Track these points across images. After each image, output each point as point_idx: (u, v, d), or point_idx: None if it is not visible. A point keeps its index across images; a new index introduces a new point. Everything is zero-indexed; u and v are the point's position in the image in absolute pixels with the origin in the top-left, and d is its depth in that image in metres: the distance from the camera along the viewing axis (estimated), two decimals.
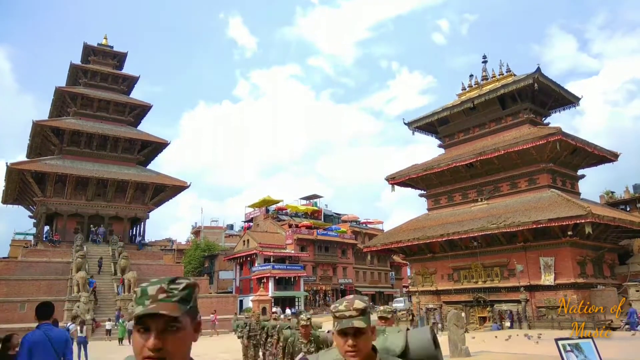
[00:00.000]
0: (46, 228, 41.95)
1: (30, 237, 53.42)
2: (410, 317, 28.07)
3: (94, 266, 34.59)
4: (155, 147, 45.05)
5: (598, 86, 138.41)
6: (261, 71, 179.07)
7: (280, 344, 8.43)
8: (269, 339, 11.15)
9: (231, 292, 51.92)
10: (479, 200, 32.77)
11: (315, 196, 70.91)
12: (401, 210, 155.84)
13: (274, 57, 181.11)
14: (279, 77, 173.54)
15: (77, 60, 47.09)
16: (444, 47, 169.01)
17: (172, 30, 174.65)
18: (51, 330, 4.72)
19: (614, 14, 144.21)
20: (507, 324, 26.24)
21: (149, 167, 46.30)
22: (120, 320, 27.63)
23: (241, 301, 47.22)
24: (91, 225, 39.55)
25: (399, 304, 46.33)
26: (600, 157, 32.20)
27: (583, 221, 24.55)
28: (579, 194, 32.13)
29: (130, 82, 48.04)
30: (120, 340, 25.75)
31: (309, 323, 6.70)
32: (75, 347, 17.50)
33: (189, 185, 43.59)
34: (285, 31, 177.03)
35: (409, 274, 51.15)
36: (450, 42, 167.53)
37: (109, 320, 28.57)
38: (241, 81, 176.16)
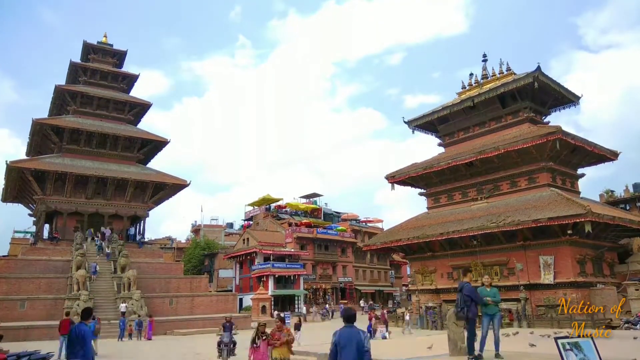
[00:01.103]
0: (46, 226, 42.04)
1: (30, 236, 53.47)
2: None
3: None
4: (155, 145, 45.04)
5: (599, 81, 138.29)
6: (263, 64, 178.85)
7: None
8: None
9: (231, 291, 51.98)
10: (479, 199, 32.80)
11: (315, 195, 70.98)
12: (401, 209, 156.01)
13: (275, 49, 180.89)
14: (280, 71, 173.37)
15: (76, 57, 47.14)
16: (444, 45, 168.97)
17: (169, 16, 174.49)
18: (81, 325, 7.46)
19: (617, 8, 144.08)
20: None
21: (149, 165, 46.33)
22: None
23: (241, 299, 47.27)
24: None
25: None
26: (600, 156, 32.24)
27: (583, 220, 24.58)
28: (578, 192, 32.17)
29: (130, 80, 48.04)
30: None
31: None
32: None
33: (189, 183, 43.59)
34: (288, 25, 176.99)
35: (408, 273, 51.21)
36: (449, 40, 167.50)
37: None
38: (241, 73, 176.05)
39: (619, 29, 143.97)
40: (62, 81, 45.91)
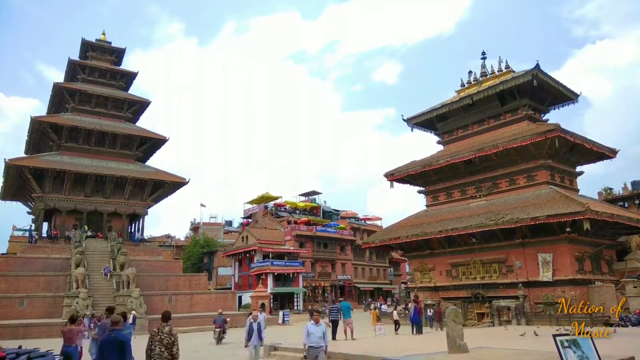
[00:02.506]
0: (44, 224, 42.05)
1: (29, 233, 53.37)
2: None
3: (94, 262, 34.59)
4: (154, 143, 45.05)
5: (601, 76, 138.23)
6: (259, 60, 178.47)
7: None
8: None
9: (230, 288, 52.02)
10: (478, 196, 32.82)
11: (314, 192, 71.02)
12: (400, 206, 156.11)
13: (274, 48, 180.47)
14: (277, 68, 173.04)
15: (75, 56, 47.10)
16: (437, 43, 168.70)
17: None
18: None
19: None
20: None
21: (148, 163, 46.32)
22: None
23: (240, 297, 47.31)
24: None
25: None
26: (599, 153, 32.24)
27: (581, 217, 24.61)
28: (577, 190, 32.20)
29: (128, 77, 48.02)
30: None
31: None
32: None
33: (188, 181, 43.61)
34: (288, 18, 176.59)
35: (407, 270, 51.24)
36: (447, 37, 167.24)
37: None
38: (237, 69, 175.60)
39: (616, 21, 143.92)
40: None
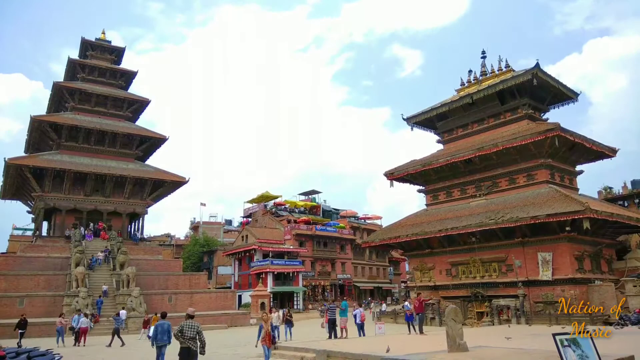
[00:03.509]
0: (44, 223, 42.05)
1: (29, 232, 53.50)
2: None
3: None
4: (153, 142, 45.05)
5: (598, 76, 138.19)
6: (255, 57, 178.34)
7: None
8: None
9: (230, 287, 52.08)
10: (478, 195, 32.83)
11: (314, 192, 71.07)
12: (401, 205, 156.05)
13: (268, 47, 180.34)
14: (274, 66, 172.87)
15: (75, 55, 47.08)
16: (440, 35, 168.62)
17: None
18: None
19: None
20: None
21: (148, 162, 46.31)
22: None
23: (240, 296, 47.37)
24: (90, 224, 39.65)
25: None
26: (599, 152, 32.25)
27: (581, 217, 24.62)
28: (577, 189, 32.22)
29: (128, 77, 48.01)
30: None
31: None
32: None
33: (188, 180, 43.60)
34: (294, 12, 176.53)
35: (407, 269, 51.29)
36: (443, 33, 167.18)
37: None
38: (234, 61, 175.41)
39: (614, 15, 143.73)
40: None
